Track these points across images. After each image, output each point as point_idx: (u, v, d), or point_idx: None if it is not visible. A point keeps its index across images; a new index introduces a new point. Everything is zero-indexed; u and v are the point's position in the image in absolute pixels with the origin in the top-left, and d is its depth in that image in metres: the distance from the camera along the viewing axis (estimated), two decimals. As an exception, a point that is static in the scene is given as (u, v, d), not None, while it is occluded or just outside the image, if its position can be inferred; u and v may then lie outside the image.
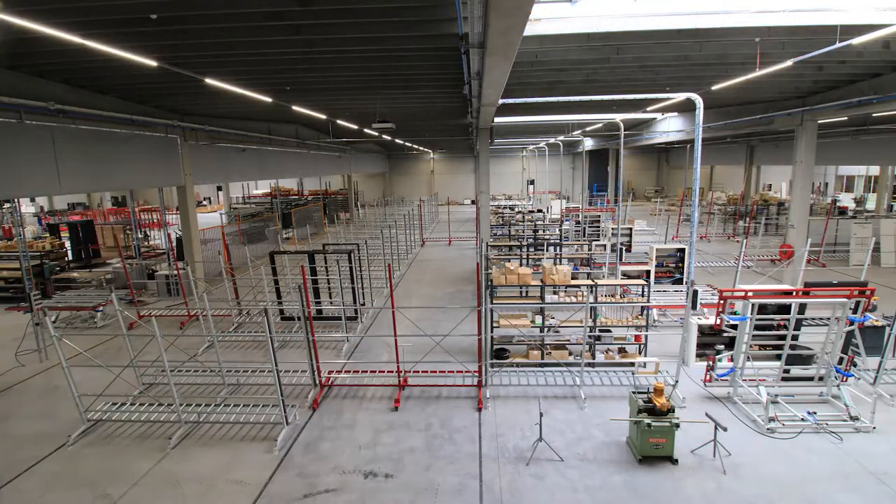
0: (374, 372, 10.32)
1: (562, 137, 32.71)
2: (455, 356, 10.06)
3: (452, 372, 10.00)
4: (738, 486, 6.79)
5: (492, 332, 10.27)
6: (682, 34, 9.64)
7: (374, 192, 53.11)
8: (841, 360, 8.63)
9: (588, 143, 40.42)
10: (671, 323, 12.96)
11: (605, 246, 15.89)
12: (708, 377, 9.25)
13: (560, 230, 21.43)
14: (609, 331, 10.55)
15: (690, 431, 7.71)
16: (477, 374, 9.56)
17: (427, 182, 53.35)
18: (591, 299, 9.84)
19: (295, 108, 16.12)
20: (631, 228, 20.58)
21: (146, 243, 24.85)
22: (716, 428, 7.22)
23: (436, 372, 10.04)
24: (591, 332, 10.10)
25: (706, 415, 7.41)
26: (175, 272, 16.35)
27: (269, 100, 13.67)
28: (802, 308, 8.75)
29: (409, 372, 9.91)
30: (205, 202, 52.55)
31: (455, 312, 14.50)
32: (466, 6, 6.08)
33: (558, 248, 16.87)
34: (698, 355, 10.37)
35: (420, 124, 25.68)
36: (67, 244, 21.54)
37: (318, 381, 9.86)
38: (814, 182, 32.31)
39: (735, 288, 9.20)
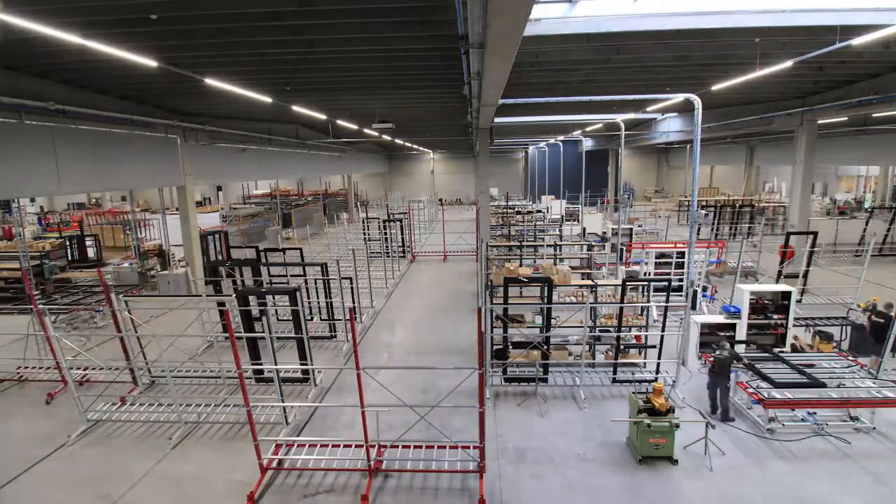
0: (338, 446, 7.61)
1: (562, 137, 32.71)
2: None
3: (444, 447, 7.47)
4: (738, 487, 6.79)
5: (491, 331, 10.24)
6: (682, 34, 9.64)
7: (376, 191, 53.05)
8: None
9: (588, 144, 40.39)
10: (671, 323, 12.94)
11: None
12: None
13: (560, 230, 21.44)
14: (609, 331, 10.54)
15: (690, 431, 7.70)
16: (478, 449, 6.92)
17: (427, 182, 53.33)
18: (591, 300, 9.83)
19: (295, 108, 16.12)
20: (631, 228, 20.53)
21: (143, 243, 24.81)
22: (707, 426, 7.26)
23: (420, 447, 7.46)
24: (590, 332, 10.09)
25: (699, 413, 7.43)
26: (175, 271, 16.34)
27: (269, 100, 13.67)
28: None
29: (386, 447, 7.53)
30: (205, 202, 52.50)
31: (454, 316, 14.50)
32: (466, 6, 6.07)
33: (558, 248, 16.88)
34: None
35: (420, 124, 25.69)
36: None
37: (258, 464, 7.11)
38: (815, 182, 32.16)
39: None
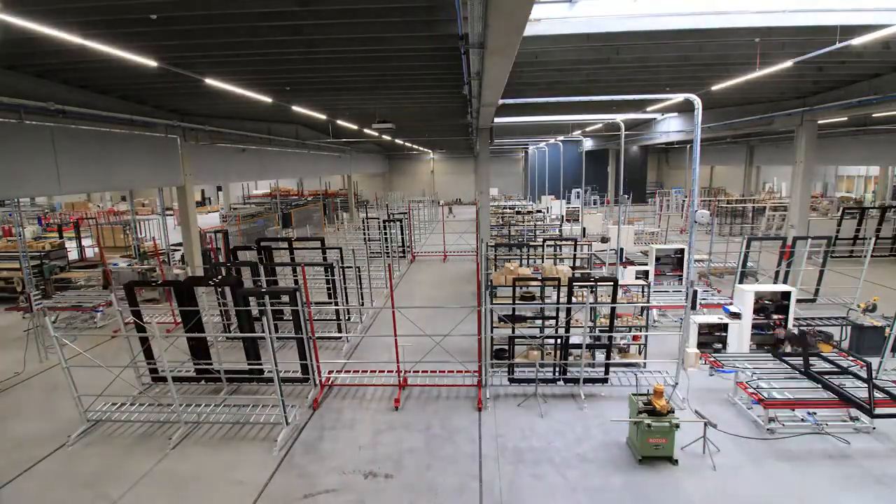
0: (374, 372, 10.34)
1: (562, 137, 32.72)
2: (455, 356, 10.04)
3: (452, 372, 10.05)
4: (738, 487, 6.79)
5: (491, 332, 10.26)
6: (683, 34, 9.64)
7: (377, 191, 53.04)
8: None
9: (588, 144, 40.40)
10: (671, 323, 12.95)
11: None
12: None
13: (560, 230, 21.45)
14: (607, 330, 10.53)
15: (688, 431, 7.70)
16: (477, 373, 9.55)
17: (427, 182, 53.33)
18: (591, 299, 9.83)
19: (295, 108, 16.11)
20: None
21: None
22: (706, 425, 7.26)
23: (436, 372, 10.10)
24: (590, 332, 10.09)
25: (695, 412, 7.43)
26: (175, 272, 16.35)
27: (269, 100, 13.67)
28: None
29: (410, 372, 9.94)
30: (206, 202, 52.48)
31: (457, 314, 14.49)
32: (466, 6, 6.07)
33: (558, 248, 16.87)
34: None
35: (420, 124, 25.67)
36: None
37: (317, 381, 9.79)
38: (817, 183, 32.12)
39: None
